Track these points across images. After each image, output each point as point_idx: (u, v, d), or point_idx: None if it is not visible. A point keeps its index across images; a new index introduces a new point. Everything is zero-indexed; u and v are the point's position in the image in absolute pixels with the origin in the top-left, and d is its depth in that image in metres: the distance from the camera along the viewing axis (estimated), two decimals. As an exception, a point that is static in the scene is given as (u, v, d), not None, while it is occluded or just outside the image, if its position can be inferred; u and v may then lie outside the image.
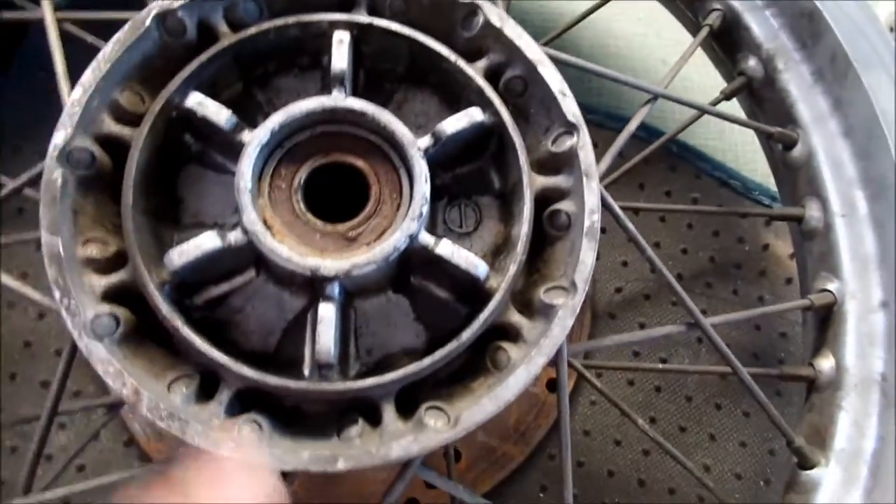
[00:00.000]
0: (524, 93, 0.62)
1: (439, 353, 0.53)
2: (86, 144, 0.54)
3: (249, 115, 0.60)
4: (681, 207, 0.86)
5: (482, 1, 0.60)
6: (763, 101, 0.84)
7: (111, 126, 0.56)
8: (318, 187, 0.57)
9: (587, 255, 0.56)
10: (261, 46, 0.59)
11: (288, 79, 0.63)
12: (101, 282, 0.53)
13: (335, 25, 0.58)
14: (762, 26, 0.83)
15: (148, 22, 0.55)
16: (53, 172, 0.53)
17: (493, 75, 0.61)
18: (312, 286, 0.55)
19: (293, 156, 0.57)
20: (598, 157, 0.61)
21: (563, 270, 0.58)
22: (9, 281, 0.58)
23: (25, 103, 1.00)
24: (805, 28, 0.80)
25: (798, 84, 0.81)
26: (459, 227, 0.62)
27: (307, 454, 0.50)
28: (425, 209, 0.54)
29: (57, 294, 0.50)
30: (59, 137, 0.53)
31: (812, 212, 0.78)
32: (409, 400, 0.56)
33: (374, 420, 0.54)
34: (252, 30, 0.57)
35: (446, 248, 0.54)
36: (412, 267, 0.58)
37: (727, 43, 0.86)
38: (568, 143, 0.59)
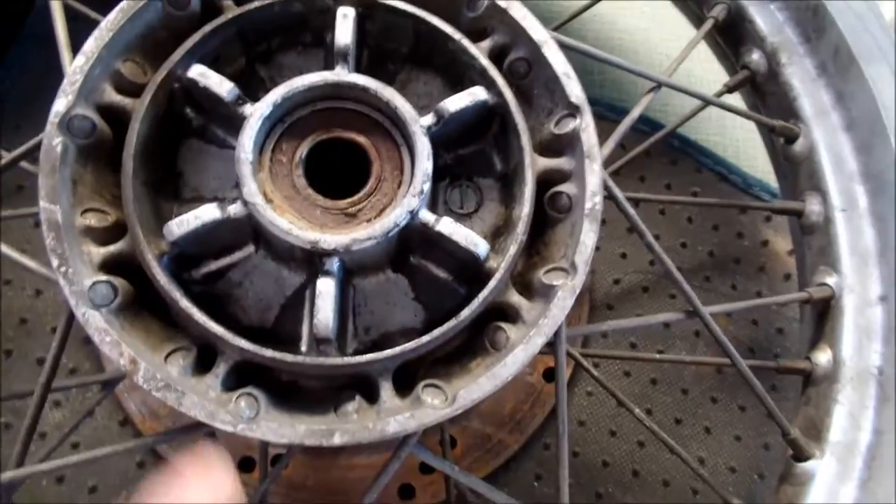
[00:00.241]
0: (528, 74, 0.61)
1: (438, 331, 0.53)
2: (87, 112, 0.54)
3: (252, 91, 0.59)
4: (682, 199, 0.86)
5: (488, -19, 0.59)
6: (766, 95, 0.85)
7: (112, 95, 0.55)
8: (320, 163, 0.57)
9: (588, 236, 0.56)
10: (265, 21, 0.59)
11: (291, 56, 0.62)
12: (100, 251, 0.53)
13: (339, 1, 0.58)
14: (767, 20, 0.83)
15: (152, -9, 0.55)
16: (54, 139, 0.52)
17: (497, 56, 0.61)
18: (311, 262, 0.55)
19: (295, 130, 0.57)
20: (600, 146, 0.61)
21: (564, 252, 0.58)
22: (7, 251, 0.58)
23: (26, 82, 1.00)
24: (809, 22, 0.81)
25: (801, 78, 0.81)
26: (460, 208, 0.62)
27: (303, 428, 0.50)
28: (427, 186, 0.54)
29: (55, 262, 0.50)
30: (60, 104, 0.53)
31: (812, 206, 0.78)
32: (407, 379, 0.55)
33: (372, 397, 0.54)
34: (256, 3, 0.57)
35: (447, 226, 0.54)
36: (412, 246, 0.57)
37: (731, 36, 0.86)
38: (571, 125, 0.58)
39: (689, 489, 0.85)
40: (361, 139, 0.57)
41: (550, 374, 0.88)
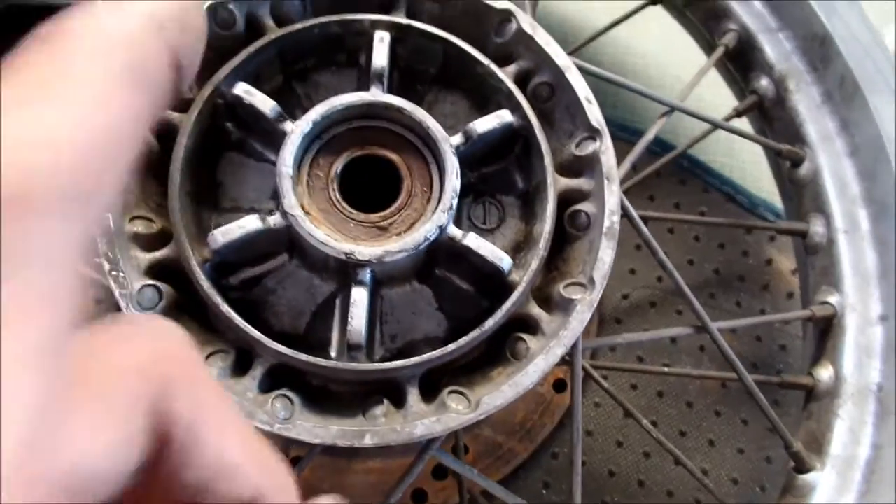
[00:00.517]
0: (550, 98, 0.65)
1: (463, 340, 0.56)
2: (136, 126, 0.57)
3: (289, 107, 0.62)
4: (690, 218, 0.89)
5: (516, 8, 0.63)
6: (773, 120, 0.88)
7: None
8: (354, 178, 0.60)
9: (606, 253, 0.59)
10: (304, 42, 0.62)
11: (326, 75, 0.66)
12: (146, 257, 0.56)
13: (376, 25, 0.61)
14: (775, 48, 0.87)
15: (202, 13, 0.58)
16: (105, 151, 0.55)
17: (521, 81, 0.65)
18: (343, 272, 0.58)
19: (331, 147, 0.60)
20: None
21: (582, 268, 0.61)
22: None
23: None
24: (816, 52, 0.84)
25: (807, 105, 0.85)
26: (483, 223, 0.65)
27: (335, 429, 0.53)
28: (455, 202, 0.57)
29: (107, 266, 0.52)
30: (112, 118, 0.56)
31: (816, 227, 0.81)
32: (431, 385, 0.58)
33: (398, 402, 0.57)
34: (298, 25, 0.60)
35: (473, 241, 0.57)
36: (438, 259, 0.60)
37: (741, 63, 0.90)
38: (591, 147, 0.62)
39: (692, 500, 0.88)
40: (393, 156, 0.60)
41: (560, 385, 0.91)
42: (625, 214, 0.68)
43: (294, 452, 0.81)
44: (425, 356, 0.55)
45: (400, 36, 0.63)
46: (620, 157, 0.72)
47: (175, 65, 0.29)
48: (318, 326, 0.60)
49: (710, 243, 1.00)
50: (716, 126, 0.85)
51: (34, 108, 0.22)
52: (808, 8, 0.84)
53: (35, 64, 0.24)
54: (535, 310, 0.59)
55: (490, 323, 0.57)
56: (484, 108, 0.64)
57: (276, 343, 0.54)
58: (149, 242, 0.56)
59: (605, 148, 0.62)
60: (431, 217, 0.57)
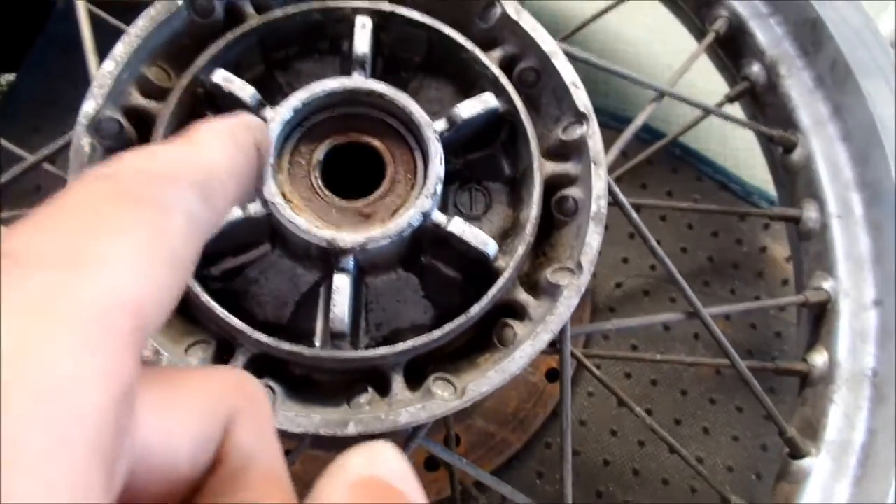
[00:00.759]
0: (537, 83, 0.64)
1: (449, 326, 0.55)
2: (114, 115, 0.56)
3: (270, 96, 0.62)
4: (682, 205, 0.88)
5: (499, -7, 0.62)
6: (765, 106, 0.87)
7: (138, 99, 0.58)
8: (336, 165, 0.59)
9: (593, 238, 0.58)
10: (285, 29, 0.62)
11: (308, 63, 0.65)
12: (126, 247, 0.55)
13: (358, 11, 0.61)
14: (766, 33, 0.86)
15: (180, 1, 0.57)
16: (82, 140, 0.55)
17: (506, 66, 0.64)
18: (326, 260, 0.57)
19: (313, 134, 0.59)
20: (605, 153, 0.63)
21: (569, 253, 0.60)
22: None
23: (44, 85, 1.02)
24: (808, 36, 0.83)
25: (799, 90, 0.84)
26: (469, 210, 0.64)
27: (318, 418, 0.52)
28: (439, 188, 0.56)
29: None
30: (88, 106, 0.55)
31: (809, 213, 0.80)
32: (417, 373, 0.58)
33: (383, 390, 0.56)
34: (278, 12, 0.60)
35: (458, 226, 0.56)
36: (423, 246, 0.60)
37: (732, 49, 0.89)
38: (578, 131, 0.61)
39: (687, 488, 0.87)
40: (376, 143, 0.60)
41: (553, 375, 0.90)
42: (615, 201, 0.68)
43: (284, 446, 0.80)
44: (409, 343, 0.54)
45: (383, 22, 0.62)
46: (611, 146, 0.72)
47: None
48: (302, 316, 0.59)
49: (704, 231, 1.00)
50: (707, 112, 0.84)
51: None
52: (798, -8, 0.83)
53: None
54: (523, 295, 0.59)
55: (476, 309, 0.56)
56: (469, 94, 0.63)
57: (257, 332, 0.53)
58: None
59: (592, 132, 0.61)
60: (415, 203, 0.56)
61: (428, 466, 0.86)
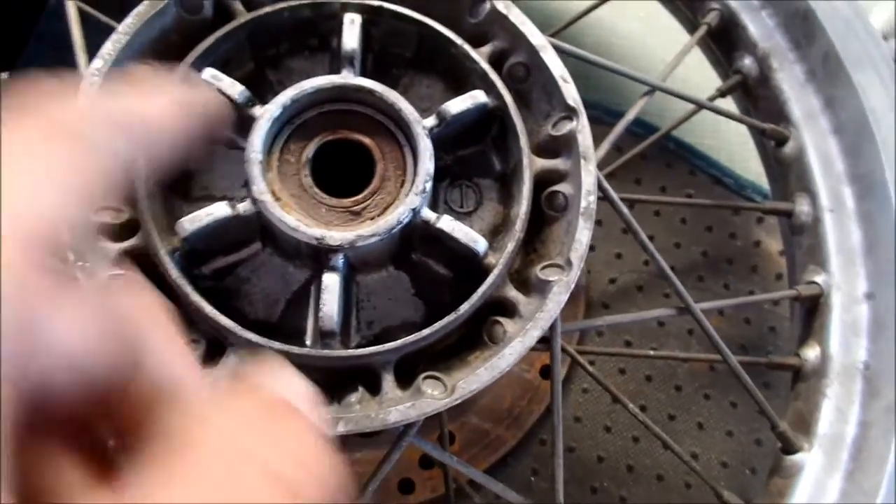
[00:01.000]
0: (526, 79, 0.64)
1: (438, 324, 0.55)
2: (102, 114, 0.56)
3: (261, 95, 0.61)
4: (675, 200, 0.88)
5: (488, -12, 0.62)
6: (757, 99, 0.87)
7: (127, 98, 0.57)
8: (326, 163, 0.59)
9: (583, 233, 0.58)
10: (274, 26, 0.61)
11: (298, 60, 0.64)
12: (114, 247, 0.55)
13: (347, 7, 0.60)
14: (758, 26, 0.86)
15: (167, -2, 0.57)
16: (70, 140, 0.54)
17: (496, 61, 0.64)
18: (317, 259, 0.57)
19: (302, 132, 0.59)
20: (597, 148, 0.63)
21: (560, 250, 0.60)
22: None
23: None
24: (799, 28, 0.83)
25: (791, 83, 0.84)
26: (460, 207, 0.64)
27: (309, 416, 0.52)
28: (429, 185, 0.56)
29: (72, 257, 0.52)
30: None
31: (801, 206, 0.80)
32: (408, 372, 0.57)
33: (373, 389, 0.56)
34: (267, 8, 0.59)
35: (447, 223, 0.56)
36: (413, 243, 0.60)
37: (724, 42, 0.89)
38: (567, 126, 0.61)
39: (682, 483, 0.87)
40: (366, 140, 0.59)
41: (547, 372, 0.90)
42: (605, 196, 0.68)
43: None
44: (399, 342, 0.54)
45: (372, 18, 0.62)
46: (604, 141, 0.71)
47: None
48: (294, 315, 0.59)
49: (698, 226, 1.00)
50: (699, 106, 0.84)
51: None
52: (790, -16, 0.83)
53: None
54: (513, 292, 0.58)
55: (465, 307, 0.56)
56: (460, 90, 0.63)
57: (247, 331, 0.53)
58: (118, 233, 0.55)
59: (582, 127, 0.61)
60: (405, 200, 0.56)
61: (423, 464, 0.86)
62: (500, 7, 0.63)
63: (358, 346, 0.59)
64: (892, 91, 0.78)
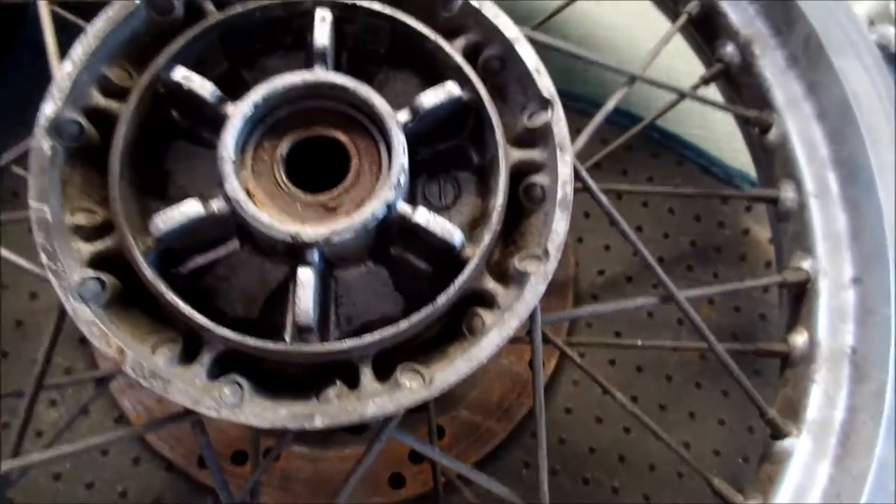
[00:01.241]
0: (501, 71, 0.64)
1: (416, 317, 0.55)
2: (75, 116, 0.56)
3: (238, 95, 0.61)
4: (661, 189, 0.88)
5: (460, -19, 0.62)
6: (740, 87, 0.87)
7: (99, 99, 0.58)
8: (301, 160, 0.59)
9: (560, 224, 0.58)
10: (246, 25, 0.61)
11: (273, 59, 0.64)
12: (88, 248, 0.55)
13: (318, 4, 0.60)
14: (739, 13, 0.85)
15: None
16: (42, 143, 0.55)
17: (471, 54, 0.63)
18: (293, 255, 0.57)
19: (276, 129, 0.59)
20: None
21: (538, 241, 0.60)
22: (4, 252, 0.60)
23: (21, 88, 1.02)
24: (779, 14, 0.83)
25: (773, 69, 0.83)
26: (439, 200, 0.64)
27: (285, 411, 0.52)
28: (403, 179, 0.56)
29: (45, 258, 0.52)
30: (48, 109, 0.55)
31: (787, 193, 0.80)
32: (387, 366, 0.57)
33: (352, 383, 0.56)
34: (238, 8, 0.59)
35: (423, 216, 0.56)
36: (391, 238, 0.60)
37: (705, 30, 0.88)
38: (543, 118, 0.61)
39: (674, 473, 0.87)
40: (340, 136, 0.59)
41: (537, 365, 0.90)
42: (584, 186, 0.68)
43: (268, 443, 0.81)
44: (377, 335, 0.54)
45: (345, 15, 0.62)
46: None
47: None
48: (273, 311, 0.59)
49: (686, 215, 0.99)
50: (682, 95, 0.84)
51: None
52: (769, -30, 0.82)
53: None
54: (491, 284, 0.58)
55: (442, 299, 0.56)
56: (435, 85, 0.63)
57: (222, 328, 0.53)
58: (92, 234, 0.56)
59: (558, 118, 0.61)
60: (379, 194, 0.56)
61: (413, 459, 0.86)
62: (473, 1, 0.62)
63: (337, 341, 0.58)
64: (874, 75, 0.78)
